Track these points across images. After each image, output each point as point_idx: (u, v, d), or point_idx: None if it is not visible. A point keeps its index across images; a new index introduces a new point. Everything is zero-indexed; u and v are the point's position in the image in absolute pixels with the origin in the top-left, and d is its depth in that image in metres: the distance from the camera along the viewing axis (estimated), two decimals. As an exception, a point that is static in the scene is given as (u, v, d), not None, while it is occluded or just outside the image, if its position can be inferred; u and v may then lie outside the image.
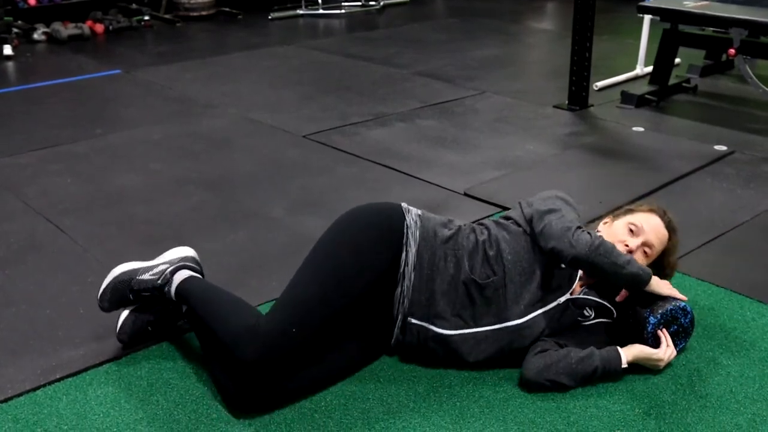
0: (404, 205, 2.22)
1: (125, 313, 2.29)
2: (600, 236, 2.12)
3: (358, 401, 2.09)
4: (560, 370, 2.09)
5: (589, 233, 2.11)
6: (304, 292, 2.07)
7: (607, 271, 2.10)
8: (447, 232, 2.18)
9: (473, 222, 2.34)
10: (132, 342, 2.28)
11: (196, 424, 2.01)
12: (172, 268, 2.26)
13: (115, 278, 2.28)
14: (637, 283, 2.15)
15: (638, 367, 2.17)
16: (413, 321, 2.13)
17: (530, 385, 2.11)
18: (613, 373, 2.13)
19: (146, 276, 2.26)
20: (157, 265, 2.30)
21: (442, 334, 2.13)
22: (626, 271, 2.11)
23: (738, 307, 2.51)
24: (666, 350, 2.16)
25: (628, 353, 2.14)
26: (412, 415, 2.04)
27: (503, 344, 2.15)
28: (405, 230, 2.13)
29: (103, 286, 2.28)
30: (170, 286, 2.22)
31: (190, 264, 2.32)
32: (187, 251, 2.39)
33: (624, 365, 2.13)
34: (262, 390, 2.00)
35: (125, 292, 2.26)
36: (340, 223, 2.19)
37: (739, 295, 2.58)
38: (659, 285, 2.19)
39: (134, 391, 2.13)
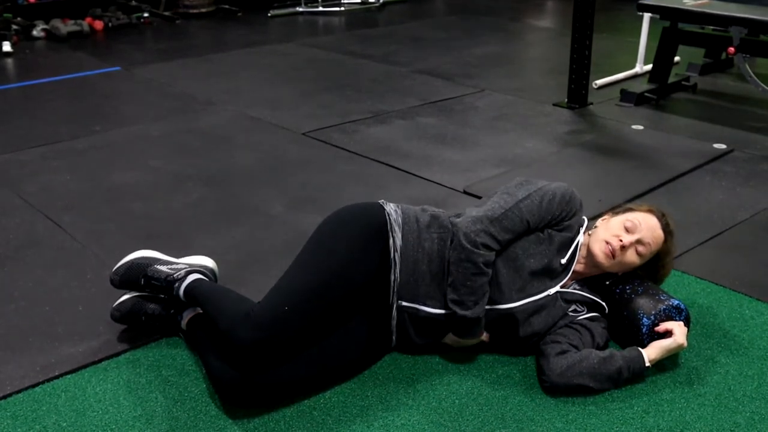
0: (381, 201, 2.29)
1: (130, 294, 2.35)
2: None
3: (357, 399, 2.09)
4: (583, 371, 2.09)
5: None
6: (296, 279, 2.11)
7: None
8: (427, 217, 2.23)
9: None
10: (121, 322, 2.33)
11: (195, 422, 2.01)
12: (189, 269, 2.32)
13: (135, 258, 2.36)
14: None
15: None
16: (403, 304, 2.15)
17: (555, 390, 2.10)
18: (638, 372, 2.12)
19: (163, 268, 2.32)
20: (177, 263, 2.38)
21: (432, 314, 2.15)
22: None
23: (737, 306, 2.51)
24: (679, 333, 2.15)
25: (649, 353, 2.14)
26: (411, 413, 2.04)
27: (493, 318, 2.16)
28: (387, 218, 2.19)
29: (122, 261, 2.37)
30: (181, 284, 2.26)
31: (208, 273, 2.37)
32: (209, 261, 2.47)
33: (647, 364, 2.13)
34: (259, 380, 2.00)
35: (138, 275, 2.32)
36: (325, 224, 2.24)
37: (738, 293, 2.58)
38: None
39: (133, 389, 2.13)
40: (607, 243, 2.21)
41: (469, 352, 2.26)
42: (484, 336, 2.21)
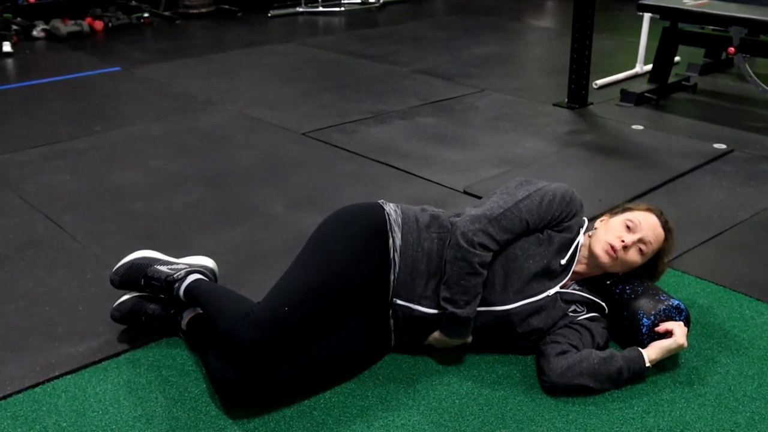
0: (381, 201, 2.29)
1: (130, 294, 2.36)
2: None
3: (357, 399, 2.09)
4: (583, 371, 2.09)
5: None
6: (296, 279, 2.11)
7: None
8: (427, 217, 2.23)
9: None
10: (121, 322, 2.33)
11: (195, 422, 2.01)
12: (189, 269, 2.32)
13: (136, 259, 2.36)
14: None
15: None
16: (398, 302, 2.15)
17: (555, 390, 2.10)
18: (638, 373, 2.12)
19: (163, 268, 2.32)
20: (178, 263, 2.38)
21: (426, 313, 2.15)
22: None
23: (737, 306, 2.51)
24: (680, 334, 2.15)
25: (649, 353, 2.14)
26: (411, 413, 2.04)
27: (489, 320, 2.16)
28: (387, 218, 2.20)
29: (122, 261, 2.37)
30: (181, 284, 2.26)
31: (208, 273, 2.37)
32: (209, 261, 2.47)
33: (647, 364, 2.13)
34: (259, 380, 2.00)
35: (138, 275, 2.32)
36: (325, 224, 2.24)
37: (738, 293, 2.58)
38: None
39: (133, 389, 2.13)
40: (609, 243, 2.21)
41: (467, 352, 2.26)
42: (468, 338, 2.22)
